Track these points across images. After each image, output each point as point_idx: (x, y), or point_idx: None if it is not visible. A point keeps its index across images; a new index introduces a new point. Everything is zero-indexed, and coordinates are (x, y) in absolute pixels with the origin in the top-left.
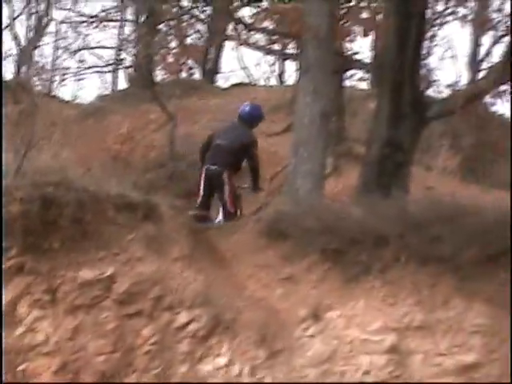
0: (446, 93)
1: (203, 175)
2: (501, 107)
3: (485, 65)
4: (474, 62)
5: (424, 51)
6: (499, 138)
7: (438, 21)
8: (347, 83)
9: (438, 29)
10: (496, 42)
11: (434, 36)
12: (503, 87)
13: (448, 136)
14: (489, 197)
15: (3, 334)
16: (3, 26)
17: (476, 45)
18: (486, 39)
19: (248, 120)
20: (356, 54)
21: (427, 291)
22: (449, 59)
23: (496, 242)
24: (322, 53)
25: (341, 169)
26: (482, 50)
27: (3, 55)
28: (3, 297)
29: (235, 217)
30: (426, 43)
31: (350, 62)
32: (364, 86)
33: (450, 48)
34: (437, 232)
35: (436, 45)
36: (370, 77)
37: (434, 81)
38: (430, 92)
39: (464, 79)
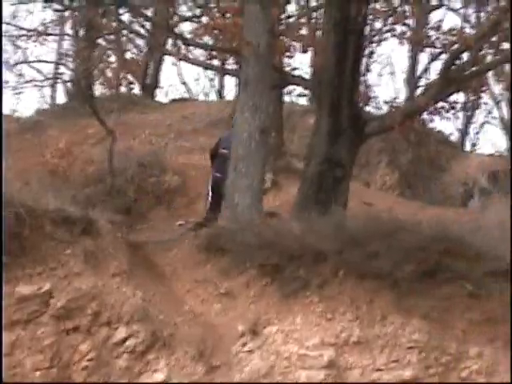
0: (384, 109)
1: (211, 181)
2: (438, 124)
3: (423, 81)
4: (412, 79)
5: (362, 68)
6: (436, 155)
7: (377, 38)
8: (286, 99)
9: (377, 46)
10: (433, 59)
11: (372, 53)
12: (440, 104)
13: (386, 152)
14: (426, 213)
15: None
16: None
17: (414, 62)
18: (424, 56)
19: None
20: (295, 69)
21: (365, 307)
22: (387, 76)
23: (433, 258)
24: (260, 68)
25: (280, 184)
26: (420, 67)
27: None
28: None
29: None
30: (364, 60)
31: (289, 78)
32: (303, 101)
33: (389, 65)
34: (375, 248)
35: (374, 61)
36: (309, 92)
37: (373, 97)
38: (369, 108)
39: (402, 96)
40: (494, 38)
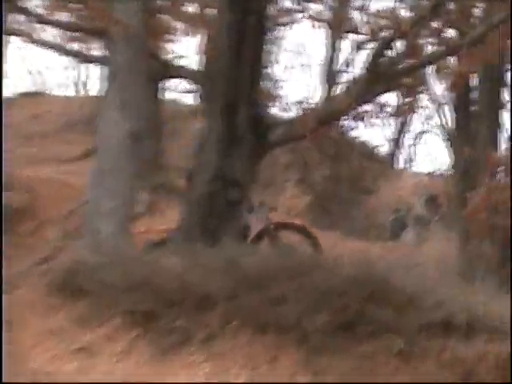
0: (293, 112)
1: None
2: (363, 132)
3: (344, 77)
4: (331, 73)
5: (266, 58)
6: (360, 172)
7: (285, 19)
8: (167, 95)
9: (286, 29)
10: (358, 48)
11: (279, 39)
12: (366, 106)
13: (296, 167)
14: (346, 247)
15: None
16: None
17: (333, 51)
18: (346, 44)
19: None
20: (179, 58)
21: (265, 367)
22: (299, 69)
23: (353, 306)
24: (132, 55)
25: (157, 207)
26: (341, 58)
27: None
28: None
29: None
30: (268, 47)
31: (171, 68)
32: (189, 99)
33: (301, 54)
34: (279, 291)
35: (282, 50)
36: (197, 88)
37: (279, 96)
38: (274, 110)
39: (317, 95)
40: (435, 24)
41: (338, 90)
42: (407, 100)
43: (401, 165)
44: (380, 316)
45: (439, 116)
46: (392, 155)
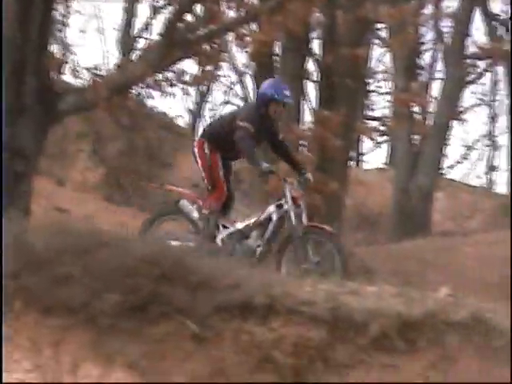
0: (86, 79)
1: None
2: (160, 102)
3: (140, 43)
4: (127, 39)
5: (56, 19)
6: (158, 144)
7: None
8: None
9: None
10: (155, 12)
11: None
12: (163, 75)
13: (88, 139)
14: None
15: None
16: None
17: (130, 15)
18: (144, 8)
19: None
20: None
21: (50, 351)
22: (92, 33)
23: (146, 286)
24: None
25: None
26: (138, 23)
27: None
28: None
29: None
30: (58, 8)
31: None
32: None
33: (95, 18)
34: (65, 270)
35: (78, 13)
36: None
37: (70, 62)
38: (65, 77)
39: (113, 61)
40: None
41: (134, 56)
42: (207, 68)
43: None
44: (174, 297)
45: (241, 86)
46: (192, 126)
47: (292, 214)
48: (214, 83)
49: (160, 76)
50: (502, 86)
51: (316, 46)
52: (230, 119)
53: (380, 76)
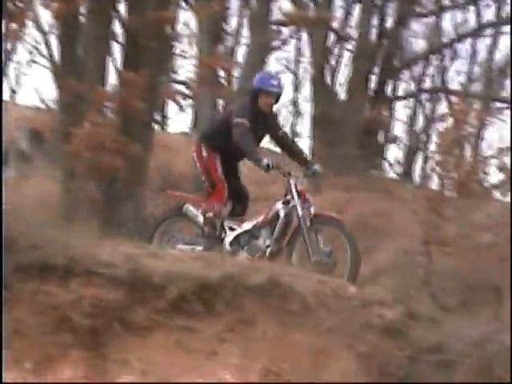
0: None
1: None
2: None
3: None
4: None
5: None
6: None
7: None
8: None
9: None
10: None
11: None
12: None
13: None
14: None
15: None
16: None
17: None
18: None
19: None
20: None
21: None
22: None
23: None
24: None
25: None
26: None
27: None
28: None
29: None
30: None
31: None
32: None
33: None
34: None
35: None
36: None
37: None
38: None
39: None
40: None
41: None
42: (12, 26)
43: (7, 97)
44: None
45: (46, 46)
46: None
47: (299, 208)
48: (19, 42)
49: None
50: (307, 54)
51: (122, 7)
52: (226, 118)
53: (186, 40)
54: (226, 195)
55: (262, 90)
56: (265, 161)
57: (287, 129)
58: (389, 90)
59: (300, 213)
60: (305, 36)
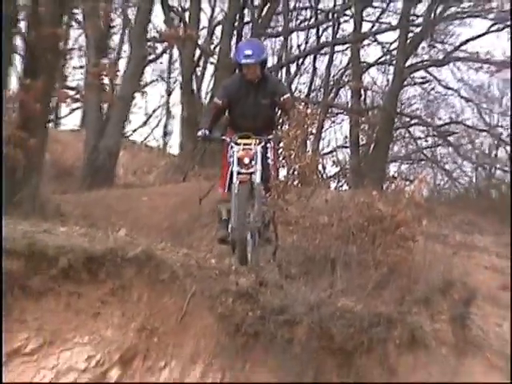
0: None
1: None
2: None
3: None
4: None
5: None
6: None
7: None
8: None
9: None
10: None
11: None
12: None
13: None
14: None
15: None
16: None
17: None
18: None
19: None
20: None
21: None
22: None
23: None
24: None
25: None
26: None
27: None
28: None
29: None
30: None
31: None
32: None
33: None
34: None
35: None
36: None
37: None
38: None
39: None
40: None
41: None
42: None
43: None
44: None
45: None
46: None
47: (235, 175)
48: None
49: None
50: (177, 66)
51: (22, 24)
52: None
53: (76, 53)
54: (226, 180)
55: (237, 61)
56: (200, 131)
57: (161, 128)
58: None
59: (234, 180)
60: (176, 51)
